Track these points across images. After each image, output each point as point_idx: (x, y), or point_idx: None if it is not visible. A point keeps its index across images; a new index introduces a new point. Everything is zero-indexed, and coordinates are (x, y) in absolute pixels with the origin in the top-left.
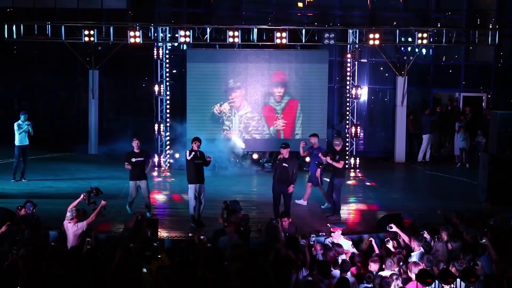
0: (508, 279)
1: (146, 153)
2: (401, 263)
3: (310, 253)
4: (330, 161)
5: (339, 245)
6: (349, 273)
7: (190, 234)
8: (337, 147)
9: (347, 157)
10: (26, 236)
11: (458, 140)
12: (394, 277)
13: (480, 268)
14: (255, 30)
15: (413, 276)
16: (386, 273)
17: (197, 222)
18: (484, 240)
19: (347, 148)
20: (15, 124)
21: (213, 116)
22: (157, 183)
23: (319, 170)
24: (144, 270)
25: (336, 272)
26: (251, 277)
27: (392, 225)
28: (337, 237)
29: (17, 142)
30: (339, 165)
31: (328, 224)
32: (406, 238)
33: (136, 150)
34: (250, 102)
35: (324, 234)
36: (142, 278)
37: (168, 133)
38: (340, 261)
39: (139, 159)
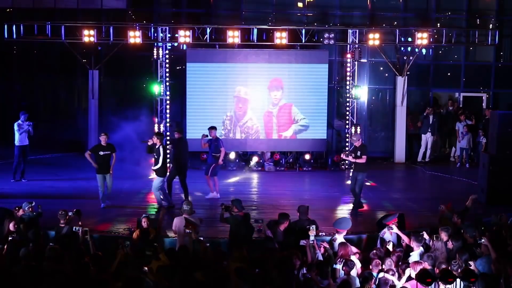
0: (505, 278)
1: (113, 148)
2: (400, 263)
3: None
4: (353, 160)
5: (347, 245)
6: (354, 272)
7: (187, 231)
8: (356, 142)
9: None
10: (30, 237)
11: (459, 139)
12: (391, 273)
13: (474, 268)
14: (255, 30)
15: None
16: (381, 274)
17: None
18: (483, 240)
19: (346, 148)
20: (15, 124)
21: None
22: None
23: (221, 159)
24: (145, 268)
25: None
26: (250, 278)
27: (392, 225)
28: (340, 238)
29: (17, 142)
30: (362, 160)
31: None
32: (406, 239)
33: (103, 144)
34: (250, 103)
35: (324, 234)
36: (143, 278)
37: (168, 133)
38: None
39: (106, 152)
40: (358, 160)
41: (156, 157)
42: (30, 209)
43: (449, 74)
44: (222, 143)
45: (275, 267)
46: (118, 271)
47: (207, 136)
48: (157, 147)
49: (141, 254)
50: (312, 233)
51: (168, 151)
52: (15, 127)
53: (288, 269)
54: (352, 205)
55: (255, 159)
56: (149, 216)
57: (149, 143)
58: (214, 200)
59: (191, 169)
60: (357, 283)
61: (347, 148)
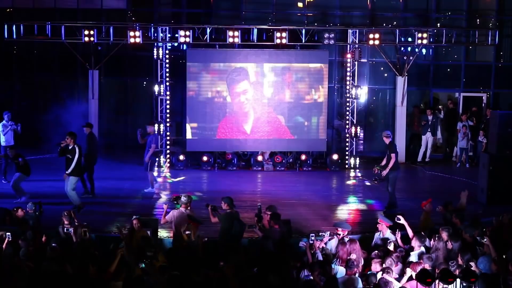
0: (504, 278)
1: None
2: (399, 263)
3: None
4: (386, 171)
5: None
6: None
7: (187, 232)
8: (387, 140)
9: (347, 157)
10: (28, 237)
11: (459, 140)
12: (391, 273)
13: (474, 268)
14: (255, 30)
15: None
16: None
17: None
18: (485, 240)
19: (347, 148)
20: (1, 125)
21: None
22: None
23: (148, 156)
24: (143, 265)
25: (341, 270)
26: (249, 278)
27: (400, 216)
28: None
29: (3, 143)
30: (392, 160)
31: (337, 228)
32: (410, 233)
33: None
34: (250, 103)
35: (324, 234)
36: (143, 278)
37: (168, 133)
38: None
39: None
40: (390, 165)
41: (70, 157)
42: (34, 210)
43: (449, 74)
44: (155, 140)
45: (271, 268)
46: (117, 271)
47: (142, 131)
48: (70, 147)
49: (141, 255)
50: (326, 239)
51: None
52: (0, 128)
53: (284, 270)
54: (388, 205)
55: (259, 158)
56: (139, 217)
57: (62, 145)
58: (215, 199)
59: (191, 168)
60: (359, 284)
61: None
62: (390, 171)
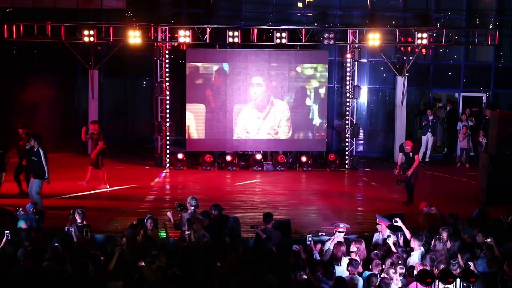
0: (502, 277)
1: None
2: (399, 263)
3: (309, 254)
4: (411, 171)
5: (342, 244)
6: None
7: (187, 232)
8: (407, 148)
9: (347, 157)
10: (22, 236)
11: (460, 140)
12: (392, 271)
13: (473, 268)
14: (255, 30)
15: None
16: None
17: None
18: (489, 240)
19: (347, 148)
20: None
21: None
22: (157, 183)
23: (95, 153)
24: (143, 263)
25: (342, 269)
26: (248, 278)
27: (397, 219)
28: (341, 236)
29: None
30: (416, 162)
31: (340, 224)
32: (408, 235)
33: None
34: (249, 103)
35: (323, 234)
36: (144, 277)
37: (168, 133)
38: (346, 259)
39: None
40: (414, 165)
41: (35, 159)
42: (34, 210)
43: (449, 74)
44: (101, 137)
45: (270, 268)
46: (116, 270)
47: (86, 128)
48: (35, 149)
49: (145, 255)
50: (337, 238)
51: None
52: None
53: (282, 270)
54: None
55: (258, 156)
56: (153, 216)
57: (27, 147)
58: (214, 200)
59: (191, 168)
60: (360, 283)
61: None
62: (416, 168)
